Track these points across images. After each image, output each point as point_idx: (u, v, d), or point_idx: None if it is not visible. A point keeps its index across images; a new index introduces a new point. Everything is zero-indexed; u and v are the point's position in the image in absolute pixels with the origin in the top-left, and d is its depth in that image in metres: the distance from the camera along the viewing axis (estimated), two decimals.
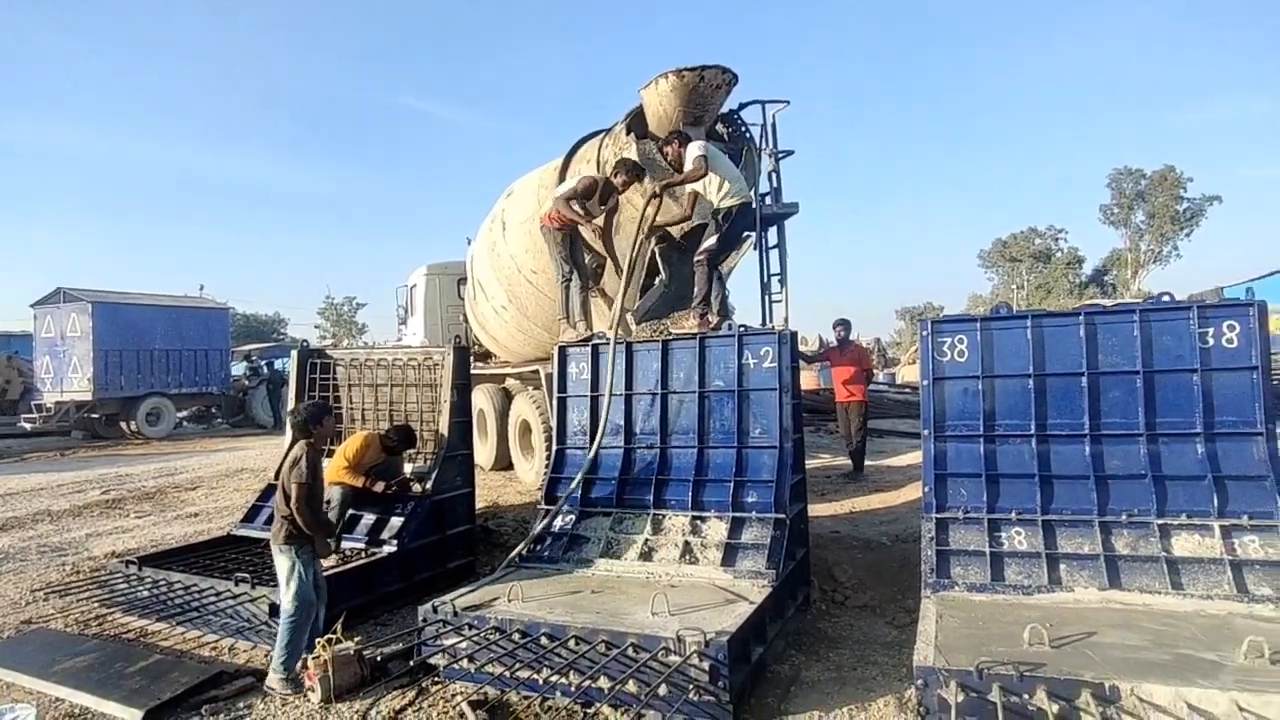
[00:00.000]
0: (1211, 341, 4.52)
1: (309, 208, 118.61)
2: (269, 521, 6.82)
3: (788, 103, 8.98)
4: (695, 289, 6.52)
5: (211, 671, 4.71)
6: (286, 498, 4.65)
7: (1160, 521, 4.34)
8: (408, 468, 6.62)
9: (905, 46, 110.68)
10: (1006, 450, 4.80)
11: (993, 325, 4.95)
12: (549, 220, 6.85)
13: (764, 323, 8.93)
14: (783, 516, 5.01)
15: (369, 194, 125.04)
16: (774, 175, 8.97)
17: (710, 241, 6.43)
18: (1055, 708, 3.18)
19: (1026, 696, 3.24)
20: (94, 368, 18.30)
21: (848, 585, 5.74)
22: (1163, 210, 49.45)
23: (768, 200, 9.01)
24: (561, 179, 8.09)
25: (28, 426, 19.17)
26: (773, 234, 9.20)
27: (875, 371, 9.32)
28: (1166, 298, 4.74)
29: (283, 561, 4.66)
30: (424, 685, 4.45)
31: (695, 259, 6.54)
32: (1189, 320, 4.55)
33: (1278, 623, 3.77)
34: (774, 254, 9.15)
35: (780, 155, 9.17)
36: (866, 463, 9.56)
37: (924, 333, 5.05)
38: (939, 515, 4.71)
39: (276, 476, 4.93)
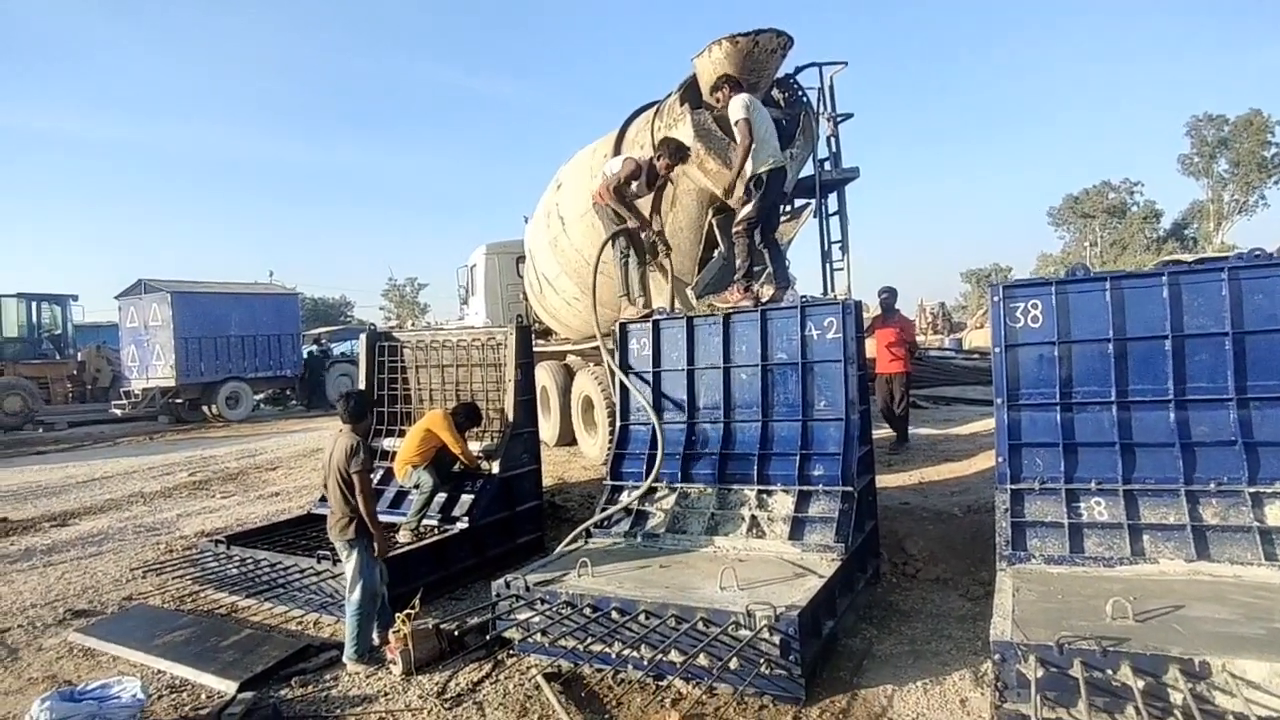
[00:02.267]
0: None
1: (370, 190, 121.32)
2: None
3: (845, 64, 8.73)
4: (736, 261, 6.41)
5: (299, 645, 4.93)
6: (349, 489, 4.66)
7: (1252, 490, 4.14)
8: (475, 446, 6.76)
9: None
10: (1085, 418, 4.63)
11: (1069, 288, 4.75)
12: (599, 198, 6.83)
13: (825, 291, 8.80)
14: (850, 489, 4.96)
15: (426, 175, 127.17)
16: (833, 140, 8.76)
17: (747, 210, 6.29)
18: (1141, 684, 3.10)
19: (1110, 672, 3.16)
20: (176, 355, 19.15)
21: (919, 558, 5.66)
22: (1248, 157, 46.65)
23: (826, 166, 8.82)
24: (616, 153, 8.06)
25: (118, 412, 20.26)
26: (832, 200, 9.02)
27: (918, 341, 9.00)
28: (1259, 253, 4.47)
29: (350, 555, 4.74)
30: (500, 658, 4.59)
31: (734, 230, 6.42)
32: None
33: None
34: (834, 221, 8.97)
35: (839, 119, 8.93)
36: (930, 430, 9.34)
37: (995, 298, 4.88)
38: (1014, 486, 4.59)
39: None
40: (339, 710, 4.19)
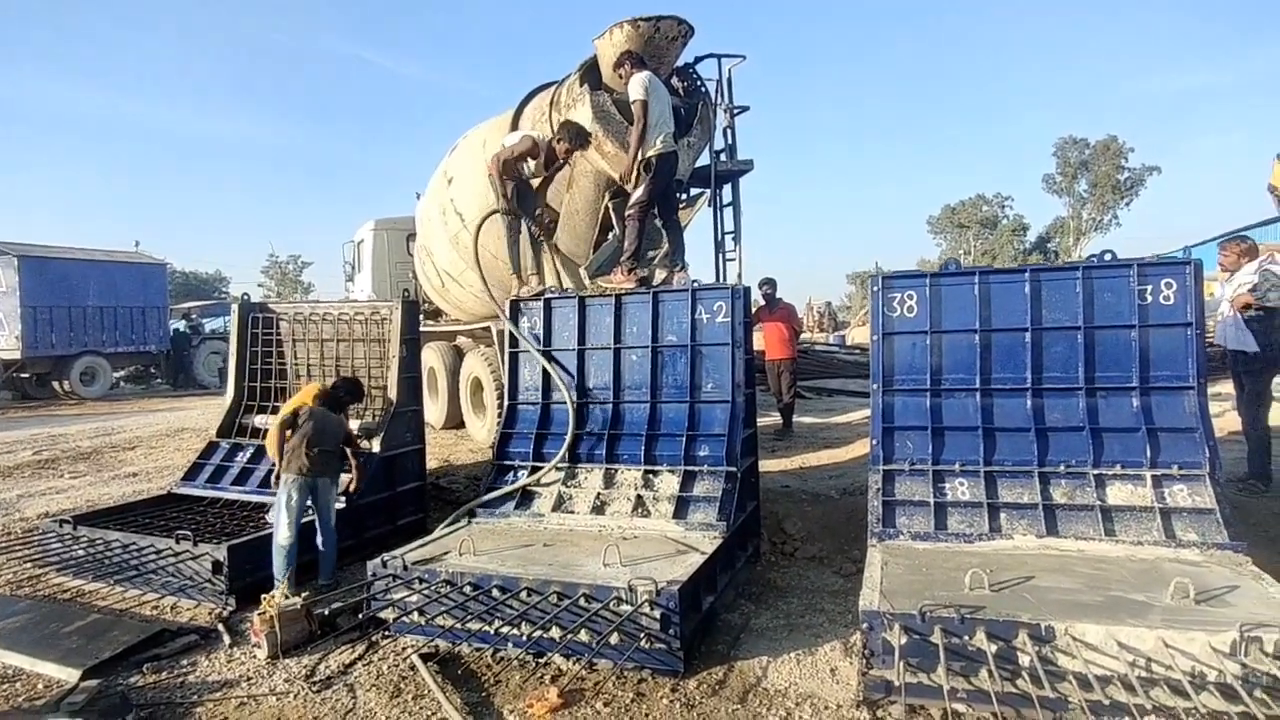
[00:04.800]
0: (1150, 299, 4.64)
1: (251, 163, 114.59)
2: (212, 479, 6.68)
3: (744, 57, 8.89)
4: (625, 243, 6.42)
5: (153, 630, 4.60)
6: (337, 444, 5.44)
7: (1096, 472, 4.49)
8: (355, 424, 6.49)
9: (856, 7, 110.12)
10: (952, 404, 4.90)
11: (942, 281, 5.00)
12: (491, 168, 6.69)
13: (718, 281, 8.94)
14: (734, 470, 5.05)
15: (316, 149, 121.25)
16: (729, 131, 8.90)
17: (639, 193, 6.31)
18: (994, 648, 3.29)
19: (967, 638, 3.33)
20: (22, 325, 17.49)
21: (797, 537, 5.85)
22: (1104, 179, 50.79)
23: (722, 157, 8.96)
24: (513, 130, 7.90)
25: None
26: (727, 192, 9.17)
27: (802, 330, 9.34)
28: (1109, 255, 4.84)
29: (334, 490, 5.40)
30: (374, 639, 4.42)
31: (626, 213, 6.44)
32: (1129, 278, 4.66)
33: (1203, 566, 3.95)
34: (728, 212, 9.13)
35: (736, 111, 9.09)
36: (812, 420, 9.69)
37: (875, 288, 5.09)
38: (886, 467, 4.80)
39: (294, 420, 5.30)
40: (196, 696, 3.93)
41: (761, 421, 8.89)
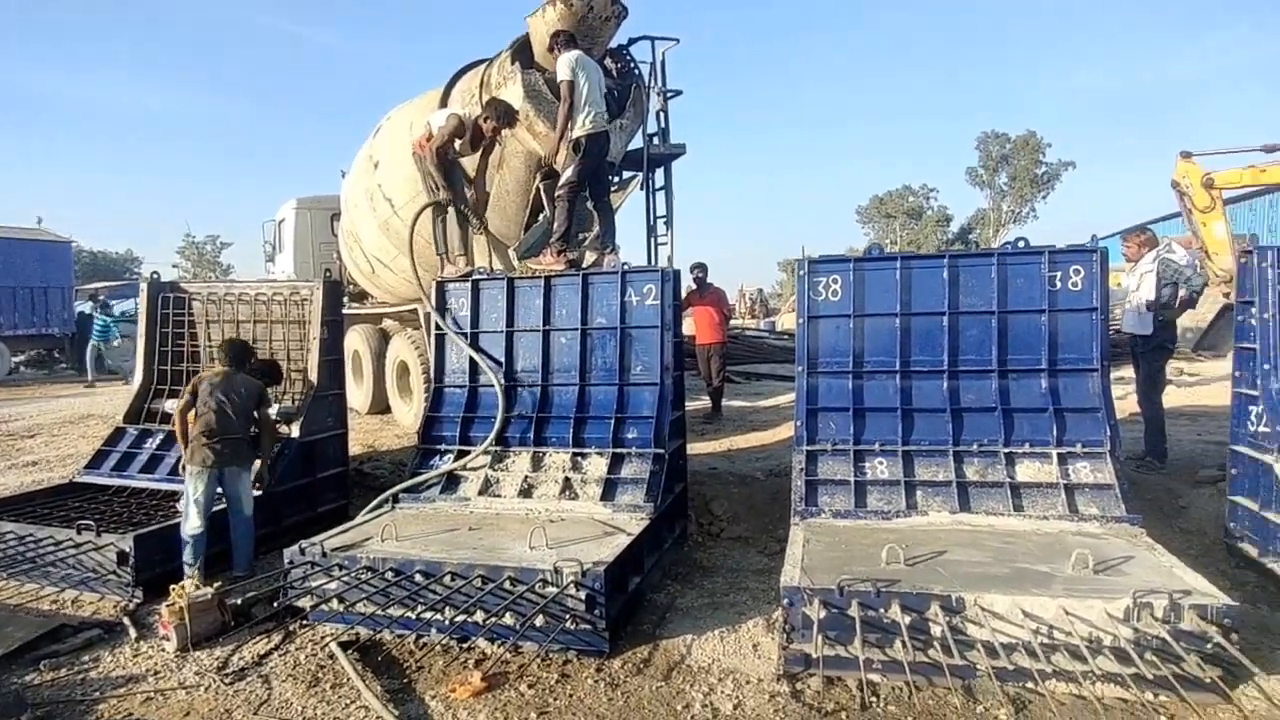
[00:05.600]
0: (1059, 285, 4.84)
1: (166, 138, 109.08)
2: (118, 467, 6.37)
3: (677, 41, 8.88)
4: (554, 224, 6.37)
5: (51, 625, 4.38)
6: (250, 423, 5.21)
7: (1007, 450, 4.69)
8: (273, 409, 6.27)
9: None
10: (873, 385, 5.03)
11: (865, 266, 5.12)
12: (420, 148, 6.52)
13: (650, 264, 8.94)
14: (661, 452, 5.08)
15: (238, 125, 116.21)
16: (662, 115, 8.89)
17: (568, 174, 6.26)
18: (908, 619, 3.40)
19: (883, 610, 3.44)
20: None
21: (723, 518, 5.92)
22: (1024, 173, 52.73)
23: (655, 140, 8.95)
24: (442, 108, 7.72)
25: None
26: (659, 175, 9.17)
27: (732, 315, 9.46)
28: (1022, 243, 5.03)
29: (245, 478, 5.15)
30: (290, 629, 4.29)
31: (555, 194, 6.38)
32: (1041, 265, 4.86)
33: (1102, 538, 4.17)
34: (660, 195, 9.13)
35: (669, 94, 9.08)
36: (741, 403, 9.82)
37: (801, 272, 5.17)
38: (809, 447, 4.90)
39: (194, 400, 5.07)
40: (98, 693, 3.74)
41: (691, 405, 8.99)
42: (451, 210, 6.61)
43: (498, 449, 5.41)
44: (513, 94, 7.42)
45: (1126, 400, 7.16)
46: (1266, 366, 4.63)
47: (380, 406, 10.30)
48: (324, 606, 4.22)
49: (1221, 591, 3.43)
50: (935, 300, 4.96)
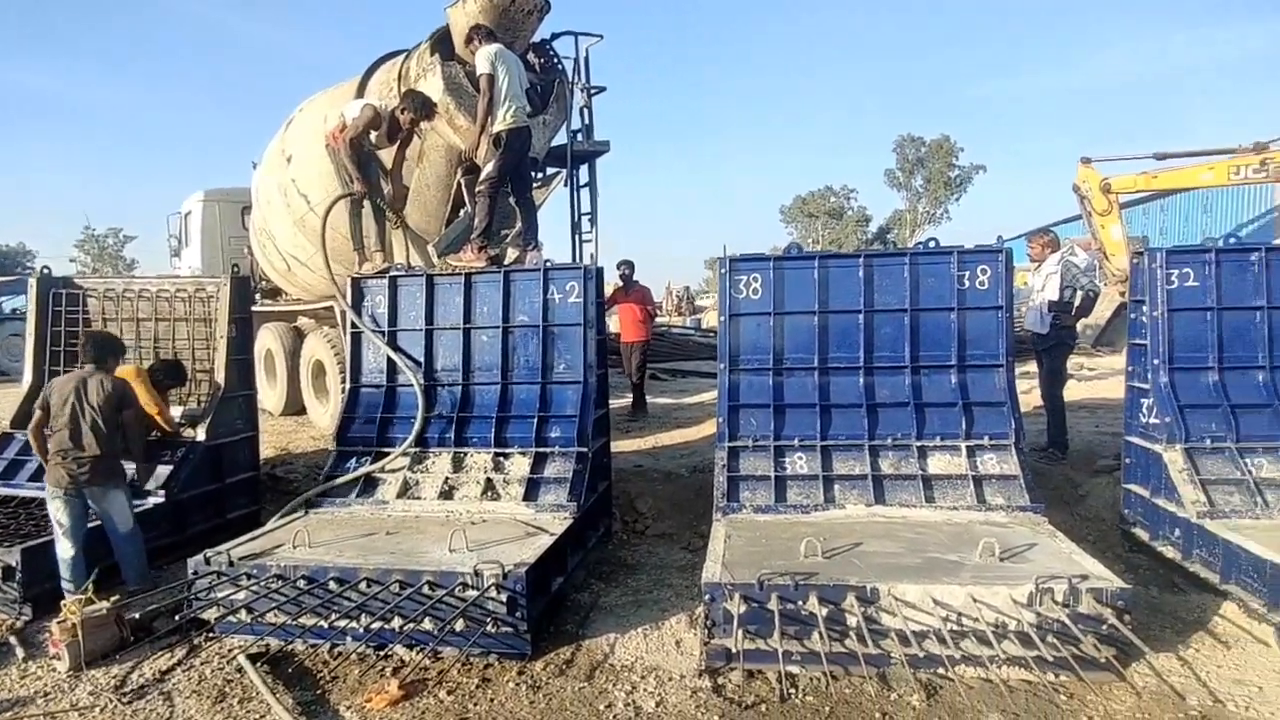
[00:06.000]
0: (967, 284, 5.03)
1: (64, 125, 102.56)
2: (5, 475, 5.95)
3: (601, 37, 8.85)
4: (475, 220, 6.27)
5: None
6: (114, 430, 4.60)
7: (919, 443, 4.84)
8: (177, 411, 5.98)
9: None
10: (793, 382, 5.12)
11: (785, 265, 5.20)
12: (333, 140, 6.31)
13: (574, 261, 8.90)
14: (585, 450, 5.05)
15: (141, 112, 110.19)
16: (586, 111, 8.85)
17: (489, 169, 6.17)
18: (825, 611, 3.47)
19: (801, 603, 3.50)
20: None
21: (648, 515, 5.94)
22: (938, 176, 54.72)
23: (579, 137, 8.90)
24: (358, 99, 7.49)
25: None
26: (584, 172, 9.13)
27: (657, 313, 9.47)
28: (933, 243, 5.20)
29: (114, 494, 4.62)
30: (195, 643, 4.09)
31: (476, 189, 6.28)
32: (950, 264, 5.03)
33: (1008, 527, 4.34)
34: (584, 193, 9.10)
35: (594, 91, 9.05)
36: (667, 400, 9.87)
37: (723, 270, 5.22)
38: (731, 444, 4.96)
39: (46, 414, 4.61)
40: None
41: (616, 402, 8.98)
42: (368, 204, 6.42)
43: (417, 450, 5.28)
44: (432, 86, 7.26)
45: (1031, 394, 7.50)
46: (1156, 361, 4.92)
47: (295, 408, 9.94)
48: (231, 618, 4.04)
49: (1117, 575, 3.63)
50: (852, 298, 5.08)
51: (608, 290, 9.71)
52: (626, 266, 9.54)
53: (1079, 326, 7.68)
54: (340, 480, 5.23)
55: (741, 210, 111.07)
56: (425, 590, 3.83)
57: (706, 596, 3.57)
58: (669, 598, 4.54)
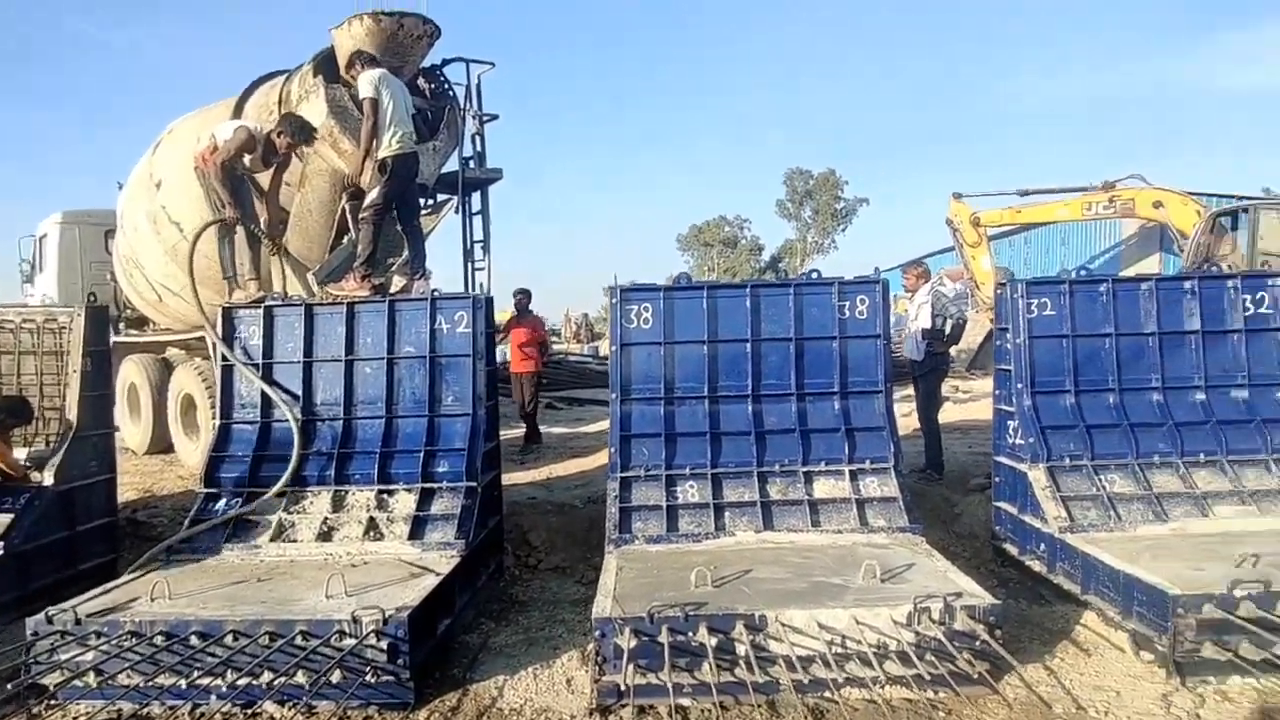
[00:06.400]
0: (848, 313, 5.22)
1: None
2: None
3: (493, 65, 8.84)
4: (358, 248, 6.08)
5: None
6: None
7: (805, 469, 4.96)
8: (22, 453, 5.45)
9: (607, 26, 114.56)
10: (684, 411, 5.16)
11: (675, 295, 5.26)
12: (203, 162, 5.99)
13: (467, 290, 8.74)
14: (474, 485, 4.91)
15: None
16: (478, 139, 8.79)
17: (373, 195, 6.01)
18: (715, 641, 3.47)
19: (691, 634, 3.49)
20: None
21: (541, 549, 5.83)
22: (825, 207, 57.22)
23: (471, 164, 8.81)
24: (235, 119, 7.16)
25: None
26: (476, 200, 9.04)
27: (548, 343, 9.34)
28: (815, 274, 5.39)
29: None
30: (35, 712, 3.69)
31: (360, 215, 6.10)
32: (831, 294, 5.21)
33: (889, 548, 4.49)
34: (477, 220, 9.00)
35: (486, 119, 9.01)
36: (562, 430, 9.77)
37: (613, 300, 5.23)
38: (623, 474, 4.94)
39: None
40: None
41: (509, 434, 8.83)
42: (241, 230, 6.10)
43: (293, 489, 5.00)
44: (315, 109, 7.03)
45: (909, 418, 7.84)
46: (1020, 386, 5.24)
47: (161, 445, 9.27)
48: (77, 682, 3.65)
49: (989, 590, 3.81)
50: (740, 327, 5.18)
51: (503, 318, 9.62)
52: (522, 295, 9.43)
53: (953, 351, 8.14)
54: (207, 524, 4.88)
55: (640, 238, 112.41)
56: (298, 641, 3.59)
57: (597, 632, 3.52)
58: (561, 634, 4.44)
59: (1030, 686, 3.60)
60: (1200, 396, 5.20)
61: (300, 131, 6.10)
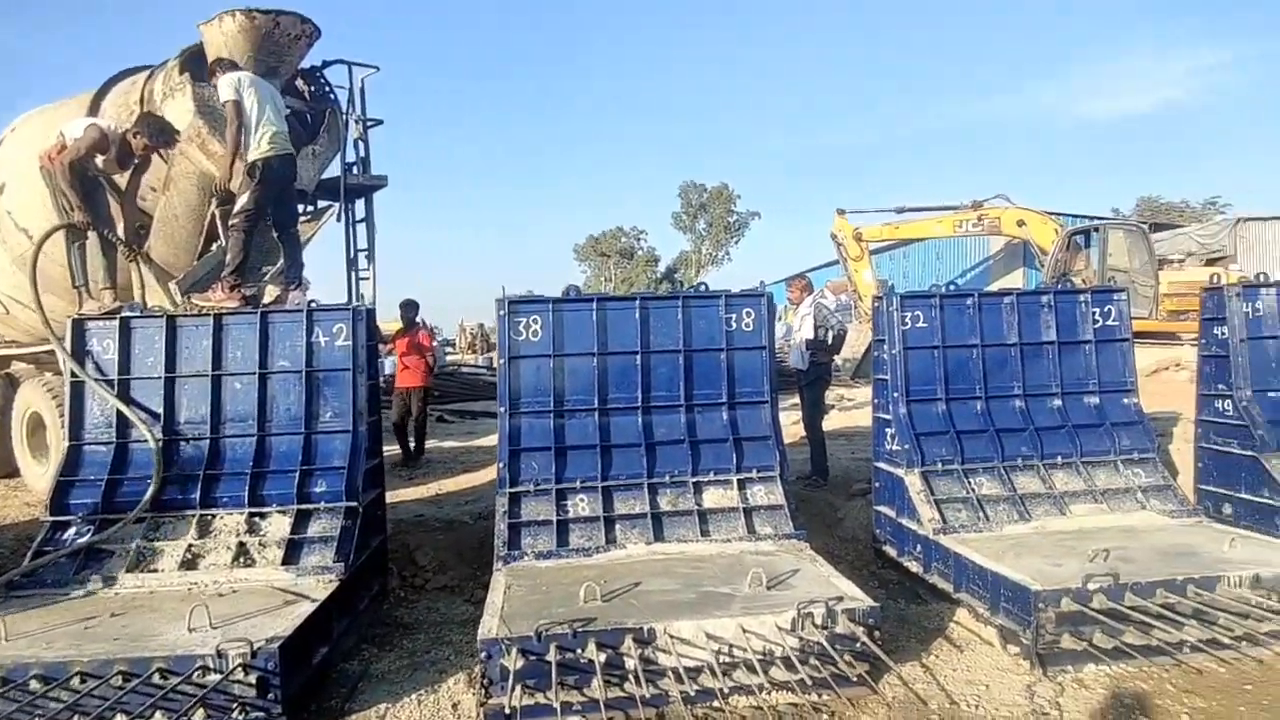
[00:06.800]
0: (734, 325, 5.32)
1: None
2: None
3: (377, 68, 8.59)
4: (226, 256, 5.75)
5: None
6: None
7: (695, 479, 5.01)
8: None
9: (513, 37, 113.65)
10: (574, 424, 5.11)
11: (564, 307, 5.22)
12: (48, 162, 5.52)
13: (351, 301, 8.41)
14: (355, 505, 4.69)
15: None
16: (361, 144, 8.50)
17: (243, 200, 5.70)
18: (603, 656, 3.43)
19: (580, 651, 3.44)
20: None
21: (428, 568, 5.63)
22: (719, 221, 58.58)
23: (355, 170, 8.51)
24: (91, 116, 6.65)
25: None
26: (360, 207, 8.72)
27: (434, 358, 9.05)
28: (703, 287, 5.47)
29: None
30: None
31: (230, 222, 5.77)
32: (719, 307, 5.30)
33: (775, 555, 4.58)
34: (361, 228, 8.69)
35: (370, 124, 8.72)
36: (453, 444, 9.52)
37: (501, 312, 5.14)
38: (512, 489, 4.85)
39: None
40: None
41: (396, 450, 8.55)
42: (94, 236, 5.65)
43: (153, 515, 4.64)
44: (180, 108, 6.63)
45: (797, 426, 8.08)
46: (896, 394, 5.48)
47: (6, 469, 8.45)
48: None
49: (870, 592, 3.94)
50: (629, 340, 5.19)
51: (390, 330, 9.30)
52: (410, 308, 9.14)
53: (839, 360, 8.45)
54: (54, 555, 4.46)
55: (536, 248, 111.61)
56: (156, 680, 3.33)
57: (482, 654, 3.41)
58: (448, 657, 4.30)
59: (907, 684, 3.74)
60: (1057, 403, 5.59)
61: (160, 134, 5.71)
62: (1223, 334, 5.76)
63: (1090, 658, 3.86)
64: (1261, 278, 5.91)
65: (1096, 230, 17.15)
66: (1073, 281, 13.97)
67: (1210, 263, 18.78)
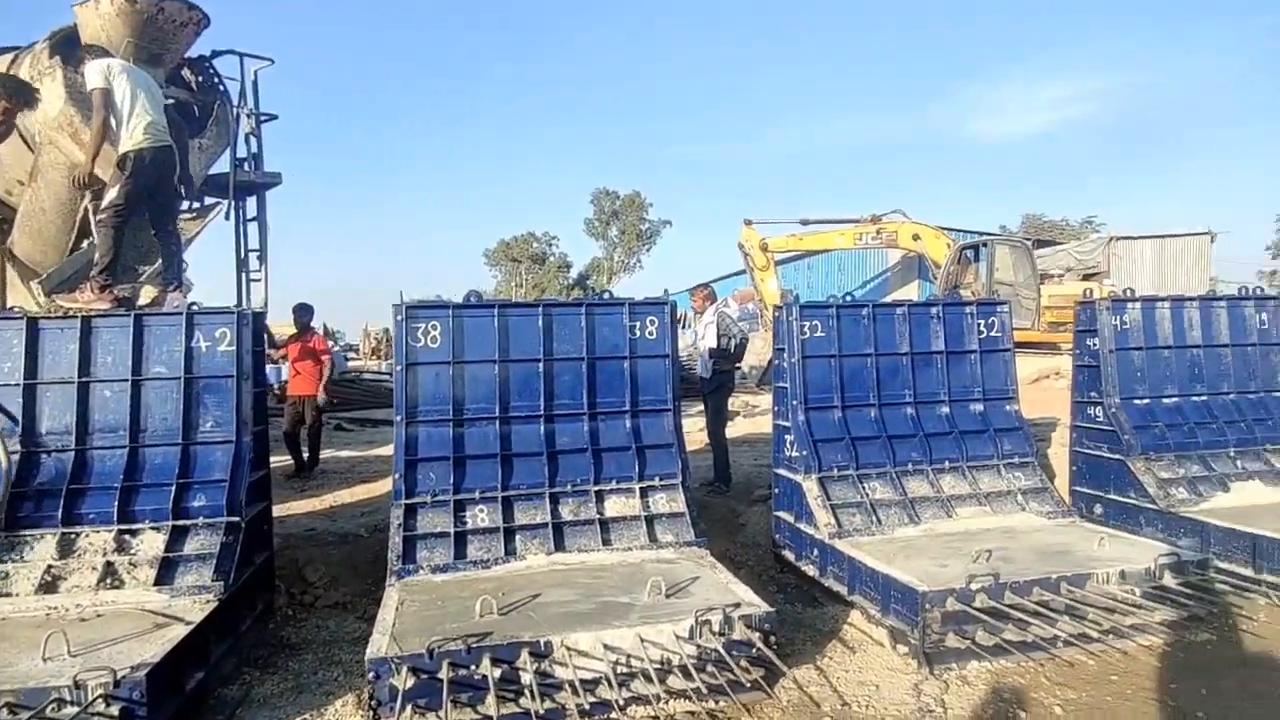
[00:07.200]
0: (638, 333, 5.32)
1: None
2: None
3: (271, 61, 8.23)
4: (96, 254, 5.37)
5: None
6: None
7: (597, 488, 4.98)
8: None
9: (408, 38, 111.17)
10: (474, 432, 5.00)
11: (464, 313, 5.09)
12: None
13: (241, 303, 8.02)
14: (237, 520, 4.44)
15: None
16: (253, 139, 8.11)
17: (112, 194, 5.32)
18: (498, 672, 3.35)
19: (474, 667, 3.35)
20: None
21: (319, 585, 5.38)
22: (631, 228, 58.94)
23: (246, 166, 8.11)
24: None
25: None
26: (252, 205, 8.32)
27: (329, 364, 8.65)
28: (606, 295, 5.46)
29: None
30: None
31: (98, 217, 5.39)
32: (622, 314, 5.30)
33: (675, 563, 4.60)
34: (253, 227, 8.29)
35: (262, 118, 8.34)
36: (351, 453, 9.18)
37: (399, 318, 4.98)
38: (408, 501, 4.69)
39: None
40: None
41: (281, 462, 8.15)
42: None
43: (5, 534, 4.26)
44: (50, 94, 6.18)
45: (702, 433, 8.17)
46: (795, 402, 5.60)
47: None
48: None
49: (768, 596, 4.01)
50: (532, 347, 5.12)
51: (282, 335, 8.88)
52: (304, 311, 8.74)
53: (745, 367, 8.60)
54: None
55: (446, 252, 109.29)
56: (4, 717, 3.04)
57: (370, 674, 3.28)
58: (336, 678, 4.11)
59: (802, 687, 3.82)
60: (945, 410, 5.85)
61: (18, 93, 5.24)
62: (1094, 345, 6.17)
63: (973, 655, 4.03)
64: (1128, 293, 6.36)
65: (985, 245, 18.14)
66: (961, 294, 14.71)
67: (1086, 278, 20.19)
